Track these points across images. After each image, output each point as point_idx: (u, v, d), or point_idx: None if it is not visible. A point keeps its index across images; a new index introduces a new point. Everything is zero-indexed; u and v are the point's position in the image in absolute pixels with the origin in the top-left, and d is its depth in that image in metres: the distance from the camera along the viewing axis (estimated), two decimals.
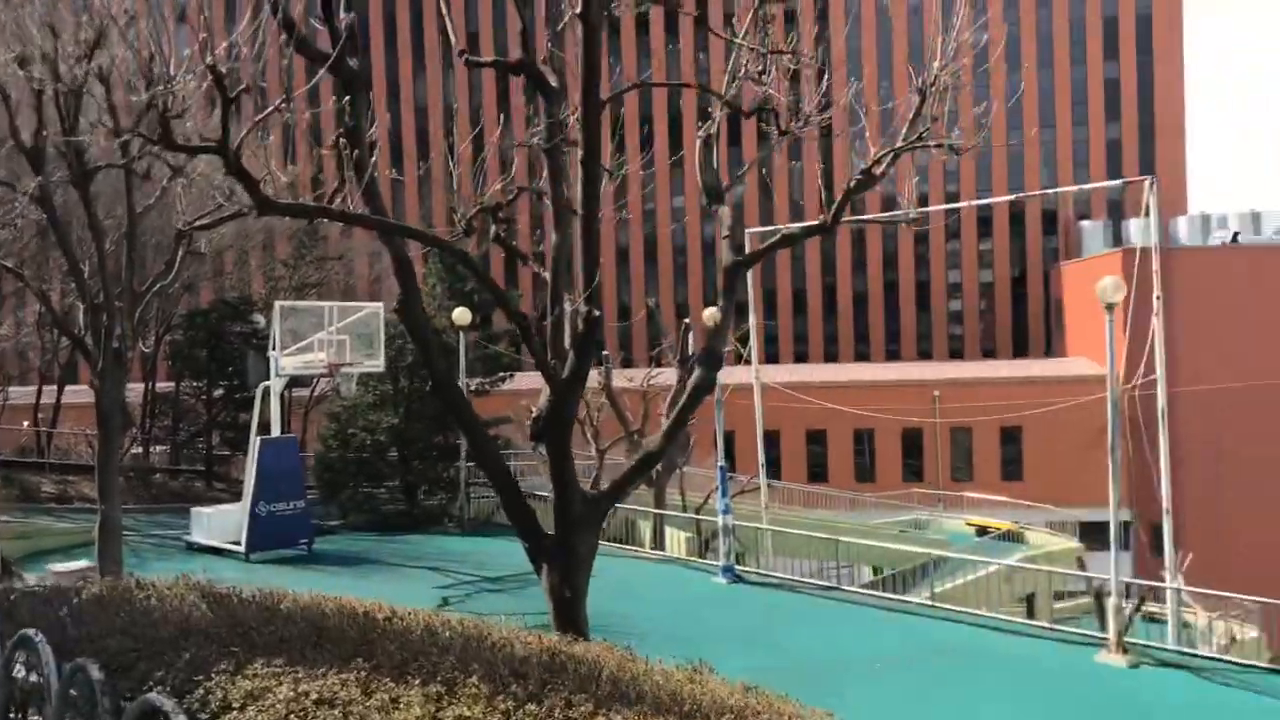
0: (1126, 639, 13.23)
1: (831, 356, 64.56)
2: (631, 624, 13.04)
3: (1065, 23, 64.22)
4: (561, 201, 8.52)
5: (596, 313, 7.89)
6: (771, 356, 59.85)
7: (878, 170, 8.05)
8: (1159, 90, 64.02)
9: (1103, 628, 22.25)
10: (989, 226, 66.24)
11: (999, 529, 32.98)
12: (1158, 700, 11.82)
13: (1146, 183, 14.78)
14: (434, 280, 26.37)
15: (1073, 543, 32.15)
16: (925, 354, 65.22)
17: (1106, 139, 64.74)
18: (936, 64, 7.95)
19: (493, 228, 9.47)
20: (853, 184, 8.11)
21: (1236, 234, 52.11)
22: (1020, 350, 65.08)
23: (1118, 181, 17.75)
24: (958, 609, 16.13)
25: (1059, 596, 30.03)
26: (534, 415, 8.45)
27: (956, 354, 65.29)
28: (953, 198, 59.34)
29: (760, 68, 8.04)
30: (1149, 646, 13.69)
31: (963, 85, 7.89)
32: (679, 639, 13.19)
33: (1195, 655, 13.59)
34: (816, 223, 8.30)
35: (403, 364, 24.61)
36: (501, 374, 28.38)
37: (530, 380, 32.05)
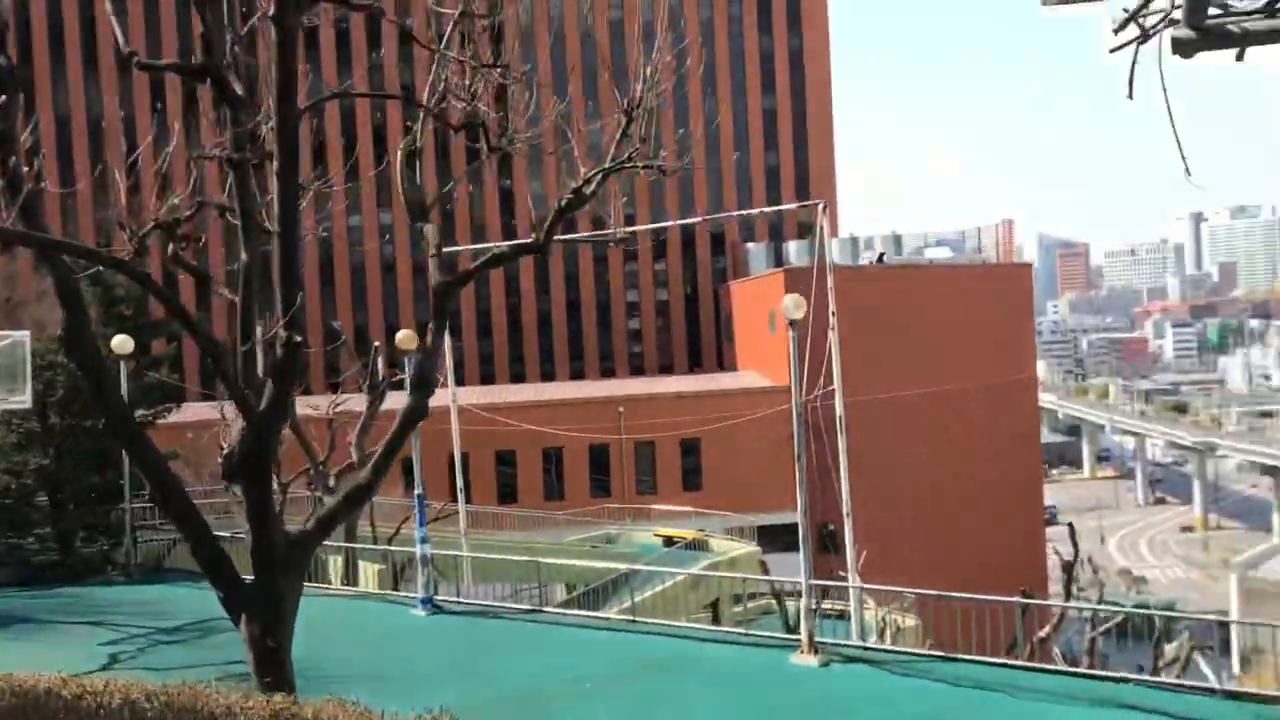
0: (816, 639, 13.88)
1: (518, 377, 64.81)
2: (331, 667, 12.33)
3: (726, 54, 67.95)
4: (252, 218, 7.89)
5: (298, 338, 7.34)
6: (458, 379, 59.32)
7: (587, 190, 8.02)
8: (811, 122, 68.99)
9: (785, 628, 23.47)
10: (664, 248, 68.83)
11: (685, 538, 34.15)
12: (849, 695, 12.47)
13: (820, 206, 15.71)
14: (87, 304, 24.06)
15: (752, 547, 33.77)
16: (608, 371, 66.80)
17: (766, 165, 69.00)
18: (639, 85, 8.02)
19: (170, 246, 8.64)
20: (564, 203, 8.03)
21: (882, 254, 56.99)
22: (695, 365, 68.08)
23: (793, 205, 18.97)
24: (660, 622, 16.44)
25: (738, 600, 31.50)
26: (226, 451, 7.76)
27: (638, 370, 67.32)
28: (630, 220, 61.32)
29: (468, 82, 7.80)
30: (836, 644, 14.46)
31: (666, 107, 7.98)
32: (384, 678, 12.63)
33: (875, 649, 14.49)
34: (528, 241, 8.15)
35: (53, 398, 22.29)
36: (163, 406, 26.34)
37: (197, 412, 29.88)
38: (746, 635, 15.28)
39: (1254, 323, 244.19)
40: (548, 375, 65.69)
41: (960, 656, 13.62)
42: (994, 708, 11.86)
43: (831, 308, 16.09)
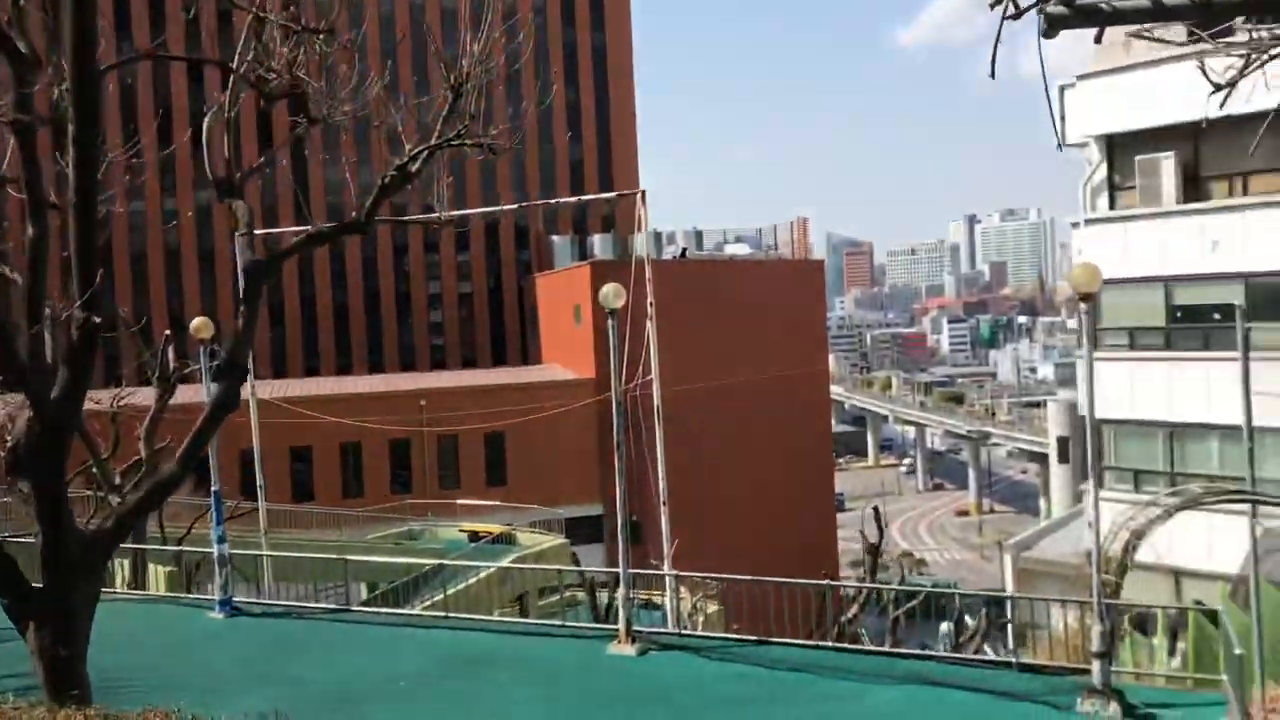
0: (634, 628, 13.87)
1: (313, 370, 62.66)
2: (127, 675, 11.48)
3: (531, 46, 67.56)
4: (38, 189, 7.18)
5: (96, 319, 6.71)
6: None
7: (413, 168, 7.67)
8: (614, 116, 69.43)
9: (594, 619, 23.42)
10: (466, 240, 67.90)
11: (491, 533, 33.77)
12: (669, 682, 12.49)
13: (639, 194, 15.71)
14: None
15: (560, 540, 33.68)
16: (408, 365, 65.42)
17: (570, 158, 69.04)
18: (467, 61, 7.73)
19: None
20: (387, 180, 7.66)
21: (685, 249, 57.97)
22: (499, 359, 67.46)
23: (612, 194, 18.86)
24: (473, 617, 16.12)
25: (544, 593, 31.40)
26: (10, 444, 7.04)
27: (439, 364, 66.21)
28: (431, 211, 60.06)
29: (289, 47, 7.30)
30: (653, 633, 14.49)
31: (497, 81, 7.73)
32: (184, 685, 11.83)
33: (691, 636, 14.61)
34: (350, 221, 7.73)
35: None
36: None
37: None
38: (563, 627, 15.13)
39: (1021, 319, 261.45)
40: (344, 369, 63.81)
41: (774, 640, 13.88)
42: (810, 688, 12.12)
43: (650, 298, 16.12)
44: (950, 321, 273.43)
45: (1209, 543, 26.81)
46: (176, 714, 5.71)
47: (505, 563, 27.80)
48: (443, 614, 16.15)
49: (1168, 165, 27.50)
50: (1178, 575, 27.74)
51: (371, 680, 12.91)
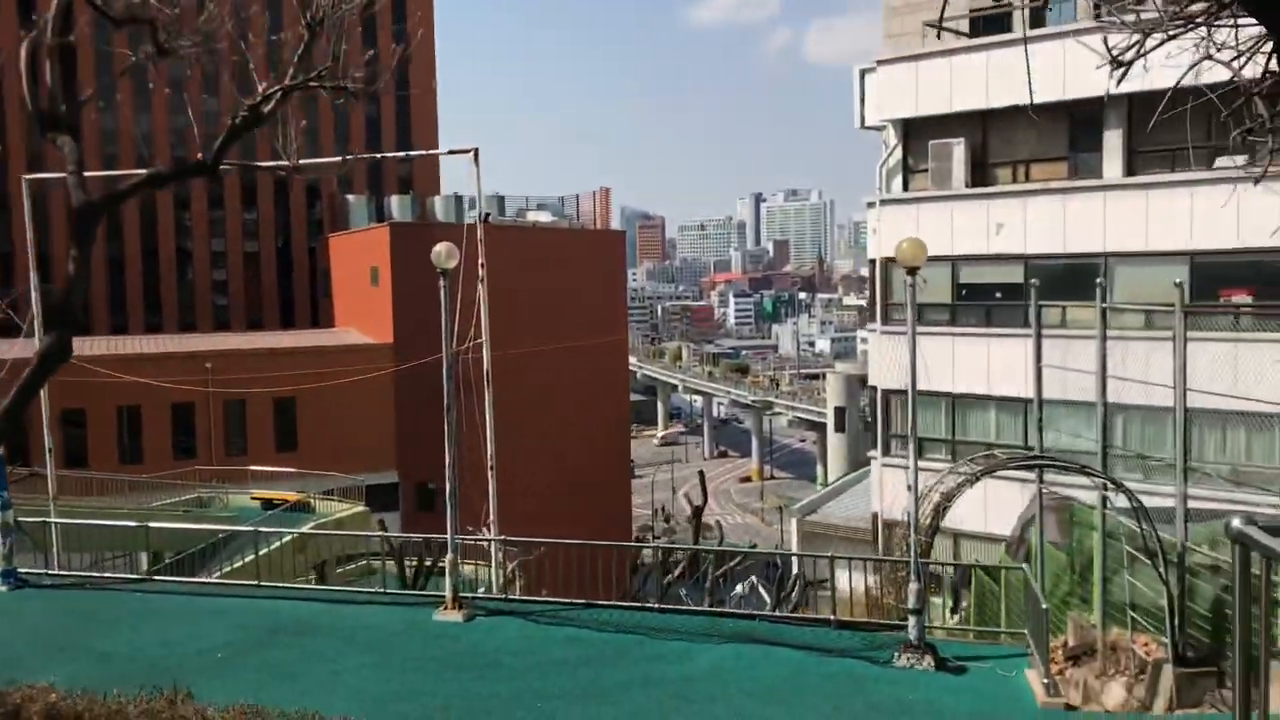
0: (461, 594, 13.70)
1: (84, 329, 58.66)
2: None
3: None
4: None
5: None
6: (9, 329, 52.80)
7: (266, 108, 7.23)
8: (414, 74, 67.64)
9: (401, 586, 23.01)
10: (253, 197, 64.96)
11: (288, 500, 32.60)
12: (501, 647, 12.41)
13: (471, 153, 15.35)
14: None
15: (360, 506, 32.87)
16: (189, 325, 62.21)
17: (365, 116, 66.89)
18: None
19: None
20: (239, 120, 7.19)
21: (488, 214, 57.13)
22: (288, 322, 64.96)
23: (443, 151, 18.17)
24: (288, 585, 15.56)
25: (342, 561, 30.64)
26: None
27: (223, 325, 63.24)
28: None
29: None
30: (478, 598, 14.36)
31: (352, 24, 7.36)
32: None
33: (518, 600, 14.55)
34: (194, 163, 7.22)
35: None
36: None
37: None
38: (384, 594, 14.78)
39: (802, 295, 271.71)
40: (119, 328, 60.06)
41: (602, 603, 13.99)
42: (639, 649, 12.27)
43: (481, 258, 15.81)
44: (736, 296, 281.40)
45: (985, 507, 28.71)
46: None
47: (316, 530, 26.84)
48: (254, 582, 15.50)
49: (958, 151, 29.03)
50: (956, 537, 29.58)
51: (184, 652, 12.28)
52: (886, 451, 30.96)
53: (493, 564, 15.91)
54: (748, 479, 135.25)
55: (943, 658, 11.77)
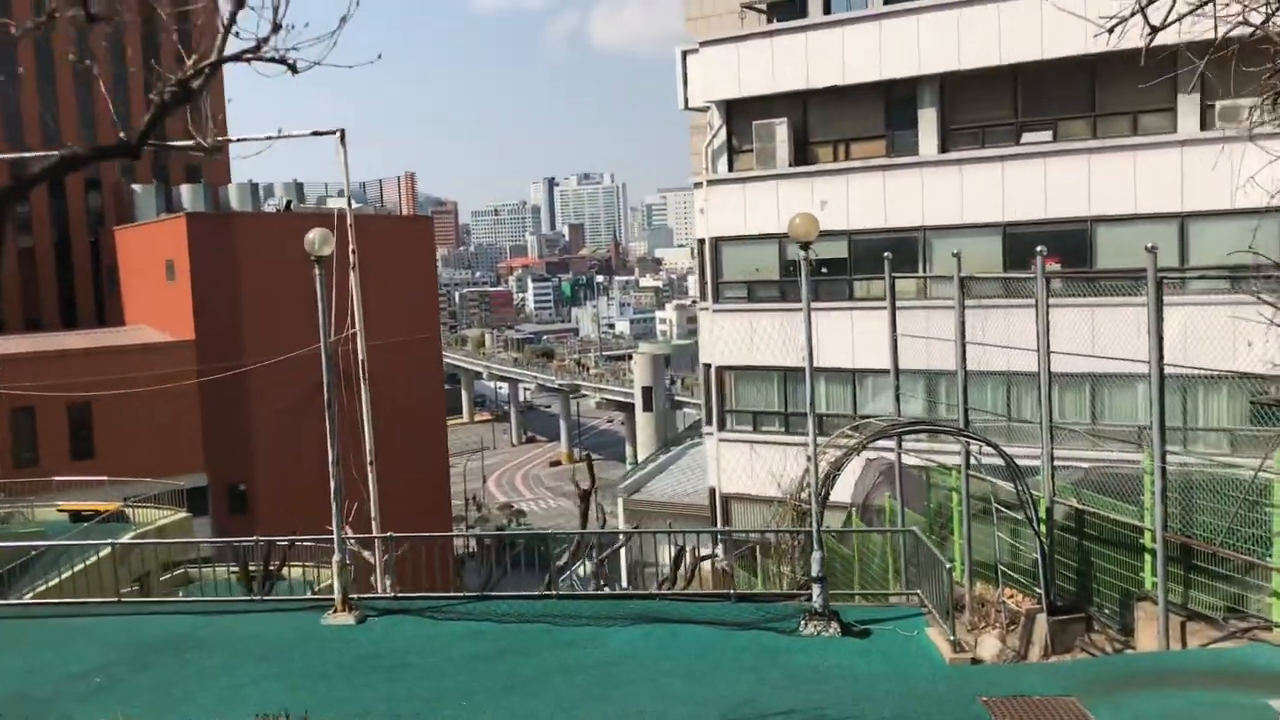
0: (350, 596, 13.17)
1: None
2: None
3: None
4: None
5: None
6: None
7: (196, 84, 6.65)
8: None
9: (246, 591, 21.98)
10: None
11: (99, 511, 30.51)
12: (403, 647, 11.98)
13: (338, 135, 14.66)
14: None
15: (181, 513, 31.12)
16: None
17: (146, 94, 62.96)
18: None
19: None
20: (166, 96, 6.59)
21: (289, 202, 55.05)
22: (70, 321, 60.68)
23: (306, 133, 17.02)
24: (149, 600, 14.59)
25: (166, 569, 29.05)
26: None
27: None
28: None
29: None
30: (366, 599, 13.83)
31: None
32: None
33: (408, 598, 14.08)
34: (115, 144, 6.56)
35: None
36: None
37: None
38: (263, 601, 14.04)
39: (600, 278, 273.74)
40: None
41: (496, 594, 13.73)
42: (550, 638, 12.10)
43: (352, 245, 15.15)
44: (534, 281, 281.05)
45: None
46: None
47: (138, 539, 25.21)
48: (113, 599, 14.43)
49: (781, 130, 29.79)
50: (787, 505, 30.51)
51: (52, 678, 11.31)
52: (722, 426, 31.58)
53: (378, 561, 15.35)
54: (557, 463, 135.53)
55: (846, 623, 12.10)
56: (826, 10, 45.70)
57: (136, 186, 59.52)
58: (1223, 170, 24.03)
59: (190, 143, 7.09)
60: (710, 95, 31.00)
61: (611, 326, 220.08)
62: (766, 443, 30.45)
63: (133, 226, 56.14)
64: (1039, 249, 13.72)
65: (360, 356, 15.03)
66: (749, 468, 30.85)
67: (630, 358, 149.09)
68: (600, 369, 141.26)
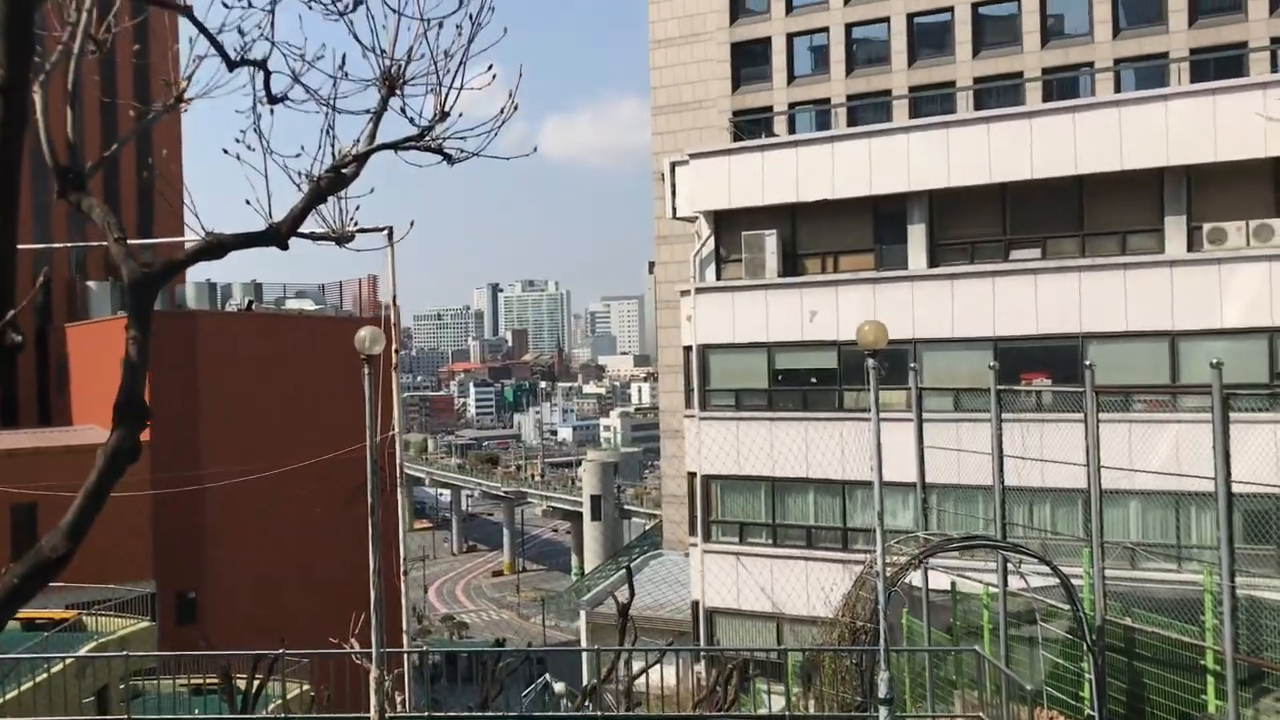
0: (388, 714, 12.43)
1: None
2: None
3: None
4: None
5: (17, 337, 4.78)
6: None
7: (349, 170, 6.28)
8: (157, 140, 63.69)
9: (234, 709, 20.81)
10: None
11: (55, 619, 28.94)
12: None
13: (385, 232, 14.35)
14: None
15: (144, 621, 29.67)
16: None
17: (105, 187, 62.25)
18: (410, 31, 6.58)
19: None
20: (322, 183, 6.20)
21: (251, 301, 54.23)
22: (10, 419, 58.70)
23: (354, 229, 16.37)
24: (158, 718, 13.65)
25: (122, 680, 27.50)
26: None
27: None
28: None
29: None
30: (399, 718, 13.08)
31: (459, 60, 6.60)
32: None
33: (440, 715, 13.35)
34: (263, 231, 6.12)
35: None
36: None
37: None
38: (283, 717, 13.20)
39: (543, 384, 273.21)
40: None
41: (536, 715, 13.04)
42: None
43: (395, 344, 14.72)
44: (477, 385, 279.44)
45: (806, 589, 29.27)
46: None
47: (97, 652, 23.92)
48: (126, 716, 13.49)
49: (770, 241, 30.06)
50: (779, 621, 29.95)
51: None
52: (708, 537, 31.08)
53: (408, 677, 14.58)
54: (499, 573, 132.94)
55: None
56: (791, 131, 46.97)
57: (91, 283, 58.42)
58: (1210, 290, 24.69)
59: (327, 232, 6.72)
60: (699, 205, 31.28)
61: (555, 433, 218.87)
62: (754, 555, 30.00)
63: (86, 323, 54.89)
64: (1088, 363, 13.71)
65: (398, 459, 14.45)
66: (734, 581, 30.33)
67: (576, 465, 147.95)
68: (545, 476, 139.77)
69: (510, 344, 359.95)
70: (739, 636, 30.07)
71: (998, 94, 42.07)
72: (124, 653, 18.70)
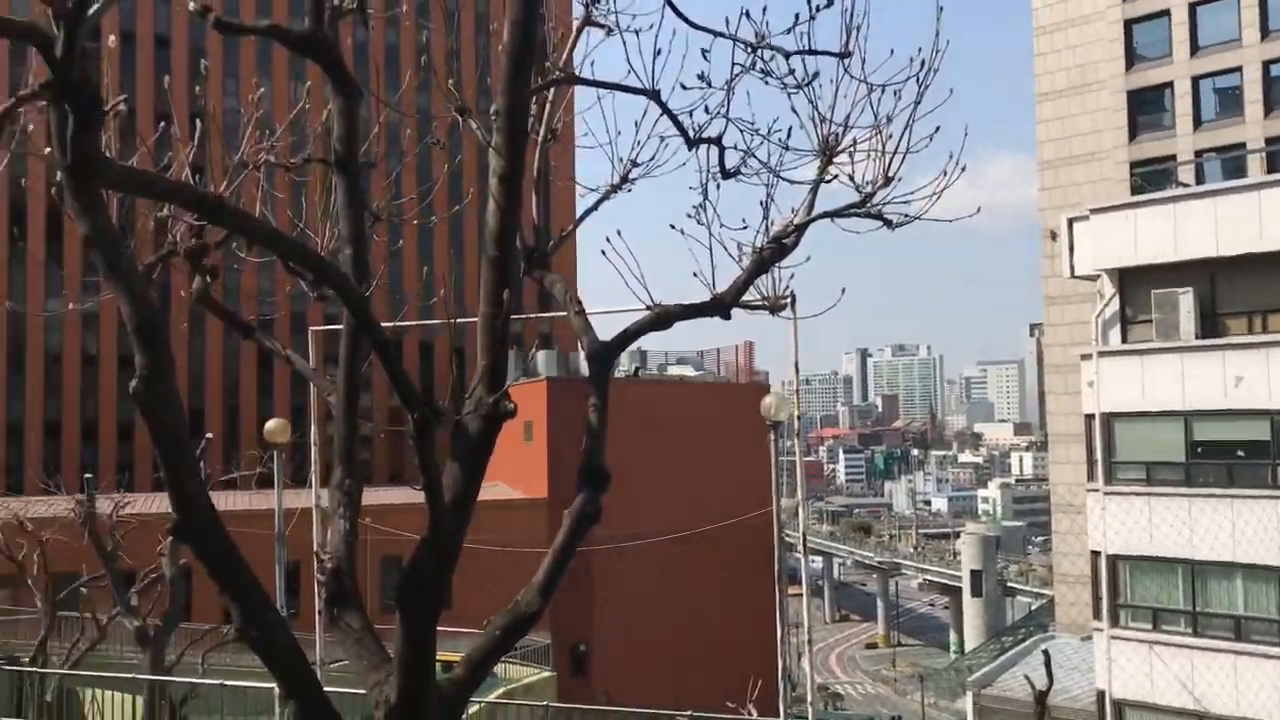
0: None
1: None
2: None
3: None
4: (365, 244, 5.70)
5: (510, 405, 5.23)
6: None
7: (789, 240, 6.38)
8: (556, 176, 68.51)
9: None
10: (400, 352, 65.73)
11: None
12: None
13: (789, 299, 14.50)
14: None
15: (546, 672, 31.45)
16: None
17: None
18: (871, 88, 6.54)
19: (198, 280, 6.22)
20: (765, 253, 6.34)
21: (638, 368, 56.88)
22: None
23: (758, 302, 17.26)
24: None
25: None
26: (331, 564, 5.40)
27: (365, 479, 63.23)
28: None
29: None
30: None
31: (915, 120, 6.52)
32: None
33: None
34: (707, 301, 6.30)
35: None
36: None
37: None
38: None
39: (914, 451, 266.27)
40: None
41: None
42: None
43: (797, 412, 14.79)
44: (845, 451, 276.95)
45: (1235, 685, 26.22)
46: None
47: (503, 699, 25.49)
48: None
49: (1185, 300, 27.58)
50: (1200, 719, 26.97)
51: None
52: (1115, 622, 28.60)
53: None
54: (873, 645, 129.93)
55: None
56: (1199, 180, 43.16)
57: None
58: None
59: (761, 301, 6.77)
60: (1101, 263, 29.30)
61: (928, 502, 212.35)
62: (1170, 644, 27.24)
63: None
64: None
65: (801, 529, 14.37)
66: (1147, 672, 27.67)
67: (954, 536, 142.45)
68: (920, 547, 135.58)
69: (880, 409, 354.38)
70: None
71: None
72: (544, 702, 19.73)
